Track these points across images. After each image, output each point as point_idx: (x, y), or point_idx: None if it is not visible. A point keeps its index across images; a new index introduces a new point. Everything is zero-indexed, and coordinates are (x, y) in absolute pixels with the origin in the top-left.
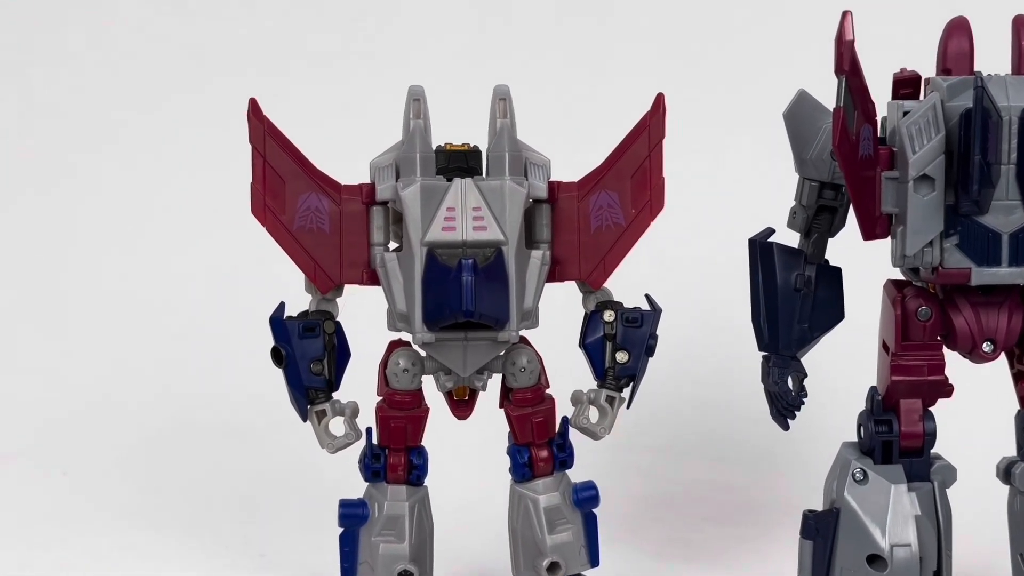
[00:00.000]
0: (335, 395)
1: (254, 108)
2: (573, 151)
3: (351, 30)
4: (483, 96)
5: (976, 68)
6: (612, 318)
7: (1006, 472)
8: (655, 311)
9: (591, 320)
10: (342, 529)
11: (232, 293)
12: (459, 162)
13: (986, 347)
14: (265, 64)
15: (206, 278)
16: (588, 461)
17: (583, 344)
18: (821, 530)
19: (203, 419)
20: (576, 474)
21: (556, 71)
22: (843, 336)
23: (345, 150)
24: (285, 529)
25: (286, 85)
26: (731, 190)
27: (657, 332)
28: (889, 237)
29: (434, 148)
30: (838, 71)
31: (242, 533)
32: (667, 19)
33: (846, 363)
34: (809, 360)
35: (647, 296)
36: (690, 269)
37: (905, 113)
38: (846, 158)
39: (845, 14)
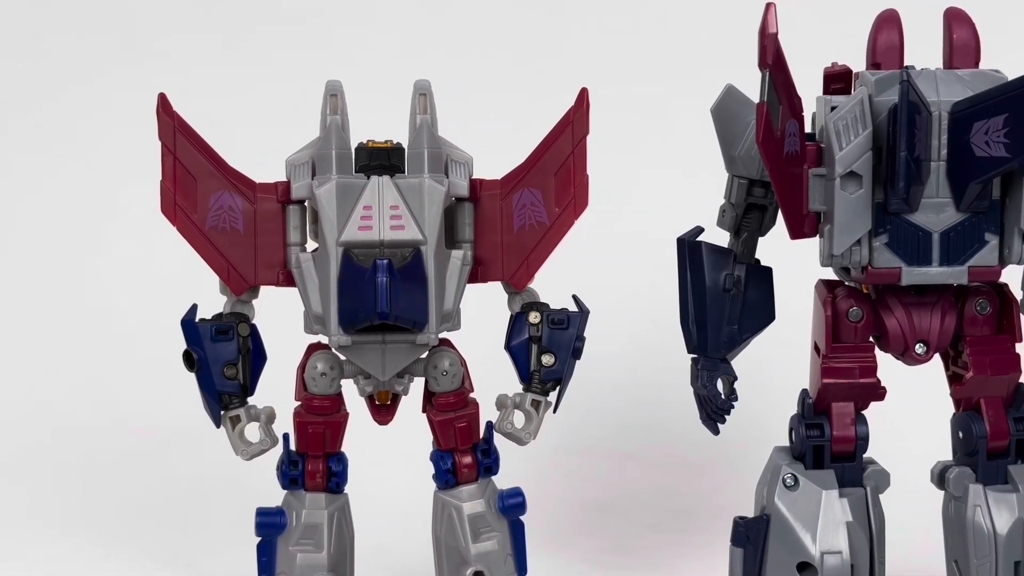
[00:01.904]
0: (250, 400)
1: (163, 104)
2: (504, 148)
3: (279, 24)
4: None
5: (908, 62)
6: (538, 320)
7: (940, 477)
8: (582, 313)
9: (516, 322)
10: (260, 538)
11: (164, 296)
12: (381, 159)
13: (919, 349)
14: (191, 58)
15: (139, 281)
16: (528, 466)
17: (508, 347)
18: (752, 537)
19: (135, 426)
20: (515, 479)
21: (488, 66)
22: (787, 336)
23: (271, 147)
24: (215, 539)
25: (209, 80)
26: (661, 188)
27: (584, 334)
28: (817, 236)
29: (356, 145)
30: (762, 65)
31: (172, 543)
32: (597, 14)
33: (794, 364)
34: (759, 362)
35: (574, 297)
36: (633, 268)
37: (833, 108)
38: (770, 155)
39: (768, 7)
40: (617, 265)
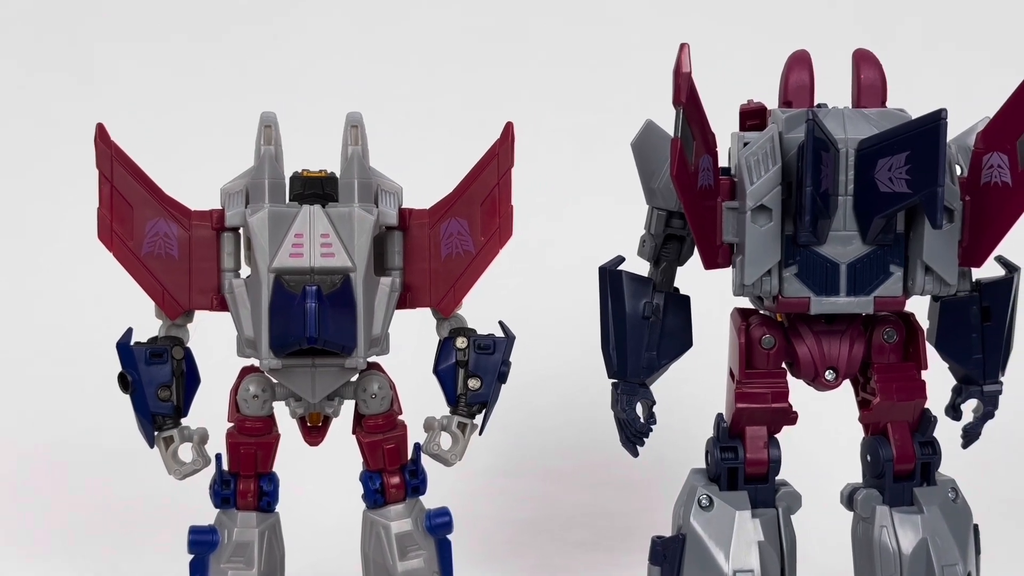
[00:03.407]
0: (184, 421)
1: (101, 133)
2: (437, 179)
3: (225, 57)
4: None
5: (820, 100)
6: (464, 345)
7: (849, 498)
8: (508, 338)
9: (444, 347)
10: (192, 556)
11: (102, 319)
12: (315, 188)
13: (828, 375)
14: (135, 85)
15: (77, 305)
16: (463, 487)
17: (436, 371)
18: (668, 556)
19: (73, 446)
20: (450, 499)
21: (424, 98)
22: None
23: (215, 174)
24: (150, 556)
25: (151, 107)
26: (585, 218)
27: (511, 359)
28: (731, 266)
29: (292, 174)
30: (676, 102)
31: (106, 561)
32: (526, 49)
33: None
34: (700, 385)
35: (500, 323)
36: (570, 292)
37: (745, 144)
38: (684, 188)
39: (682, 47)
40: (555, 290)
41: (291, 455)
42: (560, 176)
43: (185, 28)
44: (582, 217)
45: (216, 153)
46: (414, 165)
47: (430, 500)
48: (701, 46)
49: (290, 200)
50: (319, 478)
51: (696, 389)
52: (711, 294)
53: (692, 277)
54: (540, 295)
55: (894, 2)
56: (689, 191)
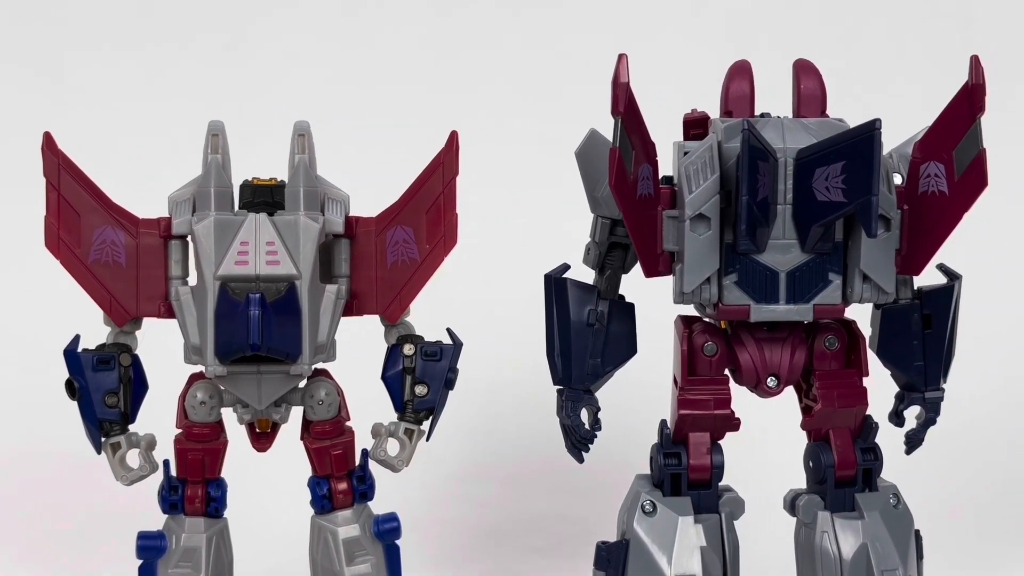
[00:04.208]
0: (132, 427)
1: (48, 142)
2: (389, 187)
3: (179, 64)
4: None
5: (764, 109)
6: (412, 352)
7: (792, 504)
8: (455, 345)
9: (391, 354)
10: (141, 561)
11: (52, 326)
12: (265, 196)
13: (770, 382)
14: (89, 93)
15: (27, 311)
16: (424, 493)
17: (384, 377)
18: (612, 561)
19: (22, 452)
20: (409, 505)
21: (374, 108)
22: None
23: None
24: (99, 561)
25: (105, 115)
26: (534, 226)
27: (458, 366)
28: (671, 274)
29: (242, 182)
30: (614, 112)
31: (55, 565)
32: (474, 59)
33: None
34: (662, 390)
35: (448, 330)
36: (532, 298)
37: (686, 153)
38: (623, 197)
39: (621, 57)
40: (518, 295)
41: (241, 461)
42: (508, 184)
43: (139, 37)
44: (532, 224)
45: (177, 160)
46: (365, 173)
47: (390, 506)
48: (652, 56)
49: (240, 208)
50: (269, 484)
51: (663, 393)
52: (660, 301)
53: (640, 284)
54: (502, 301)
55: (851, 10)
56: (628, 200)
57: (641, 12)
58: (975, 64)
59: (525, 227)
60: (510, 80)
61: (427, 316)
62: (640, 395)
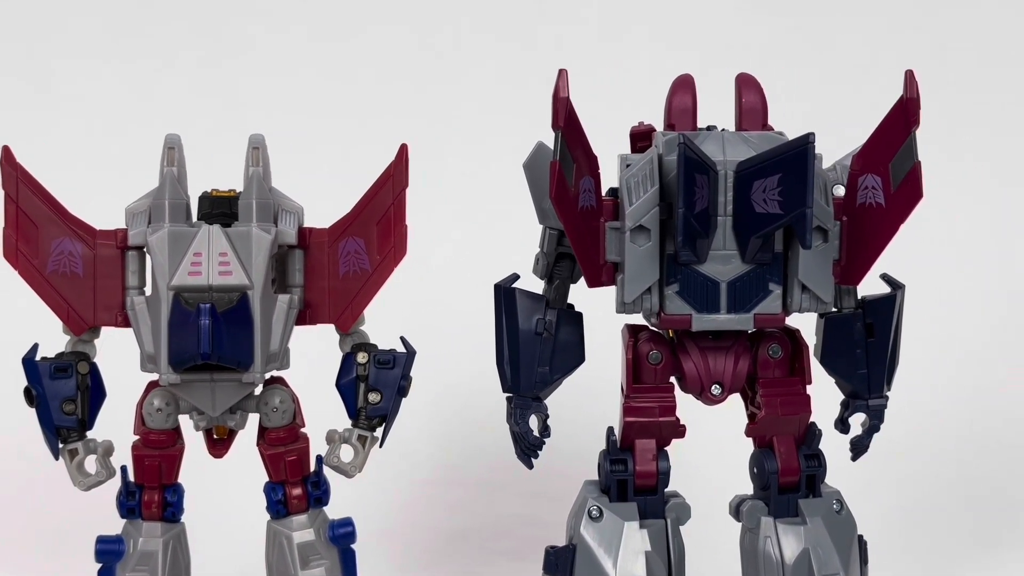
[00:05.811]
0: (90, 434)
1: (7, 155)
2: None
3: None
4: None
5: (709, 123)
6: (365, 360)
7: (737, 509)
8: (409, 353)
9: (345, 362)
10: (99, 565)
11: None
12: (222, 207)
13: (714, 390)
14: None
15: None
16: (397, 497)
17: (338, 384)
18: (560, 565)
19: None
20: (383, 509)
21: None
22: None
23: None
24: (58, 566)
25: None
26: (483, 236)
27: (411, 374)
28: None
29: (200, 193)
30: (554, 126)
31: (24, 568)
32: (428, 71)
33: None
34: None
35: (402, 338)
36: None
37: (628, 165)
38: (564, 209)
39: (561, 72)
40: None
41: (198, 466)
42: (459, 195)
43: (107, 50)
44: (510, 232)
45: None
46: (321, 185)
47: (355, 510)
48: (602, 69)
49: (199, 219)
50: (226, 489)
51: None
52: (611, 310)
53: (590, 294)
54: (468, 309)
55: (819, 22)
56: (569, 212)
57: (606, 29)
58: (909, 79)
59: (502, 235)
60: (466, 92)
61: (403, 323)
62: (611, 403)
